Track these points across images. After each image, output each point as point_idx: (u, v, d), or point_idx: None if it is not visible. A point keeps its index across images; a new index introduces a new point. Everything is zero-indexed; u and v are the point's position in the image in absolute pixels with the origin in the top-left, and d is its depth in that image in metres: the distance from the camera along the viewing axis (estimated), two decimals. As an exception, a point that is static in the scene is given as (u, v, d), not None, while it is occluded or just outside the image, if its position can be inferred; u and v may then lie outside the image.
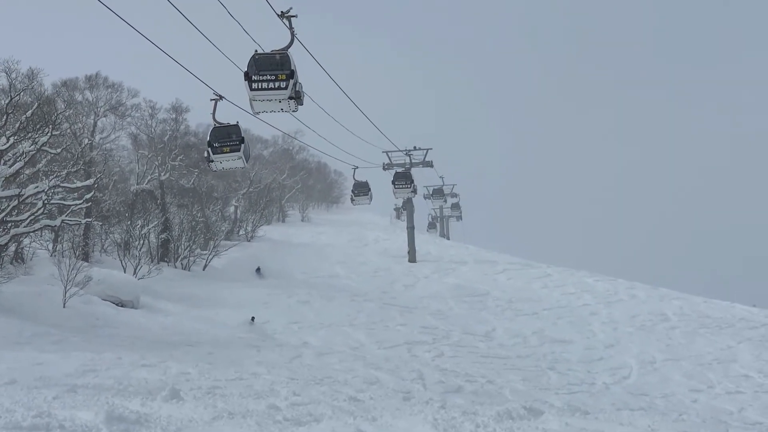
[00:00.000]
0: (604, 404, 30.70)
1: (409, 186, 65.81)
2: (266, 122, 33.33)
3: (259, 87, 27.26)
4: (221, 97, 31.86)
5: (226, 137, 32.45)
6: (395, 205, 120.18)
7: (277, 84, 27.22)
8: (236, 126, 32.90)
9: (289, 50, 27.85)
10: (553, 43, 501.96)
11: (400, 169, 70.83)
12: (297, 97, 27.86)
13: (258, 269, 64.63)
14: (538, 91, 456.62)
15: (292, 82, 27.25)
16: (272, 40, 28.21)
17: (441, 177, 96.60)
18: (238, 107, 30.34)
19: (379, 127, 46.37)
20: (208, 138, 32.89)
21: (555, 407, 23.90)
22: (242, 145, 32.48)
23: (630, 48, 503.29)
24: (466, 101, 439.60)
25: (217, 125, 32.76)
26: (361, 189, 65.64)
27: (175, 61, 25.68)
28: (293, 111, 28.51)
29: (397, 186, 65.43)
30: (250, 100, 27.67)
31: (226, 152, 32.34)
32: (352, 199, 67.28)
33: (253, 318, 46.24)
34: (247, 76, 27.33)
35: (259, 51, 27.75)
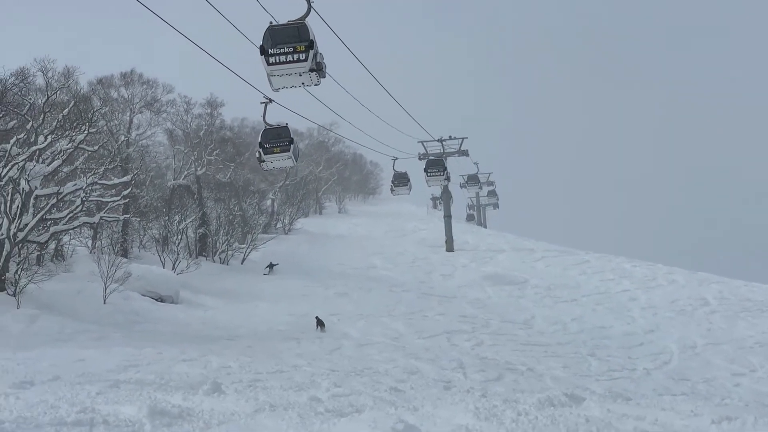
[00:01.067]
0: (646, 390, 30.60)
1: (441, 173, 64.16)
2: (301, 115, 33.57)
3: (277, 61, 25.50)
4: (271, 101, 32.28)
5: (277, 138, 33.14)
6: (432, 194, 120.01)
7: (296, 56, 25.41)
8: (286, 128, 33.56)
9: (307, 20, 26.07)
10: (583, 30, 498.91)
11: (432, 157, 70.24)
12: (318, 69, 26.01)
13: (270, 265, 63.66)
14: (571, 77, 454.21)
15: (311, 53, 25.42)
16: (290, 15, 26.97)
17: (475, 163, 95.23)
18: (287, 109, 30.22)
19: (412, 115, 46.06)
20: (260, 139, 33.65)
21: (596, 394, 23.87)
22: (292, 146, 33.20)
23: (662, 31, 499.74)
24: (498, 89, 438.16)
25: (268, 127, 33.48)
26: (401, 179, 65.51)
27: (222, 63, 25.24)
28: (315, 84, 26.63)
29: (429, 174, 63.95)
30: (268, 75, 25.90)
31: (277, 152, 33.13)
32: (392, 190, 67.09)
33: (318, 319, 43.10)
34: (263, 51, 25.62)
35: (274, 23, 25.95)
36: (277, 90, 26.81)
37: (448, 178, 66.90)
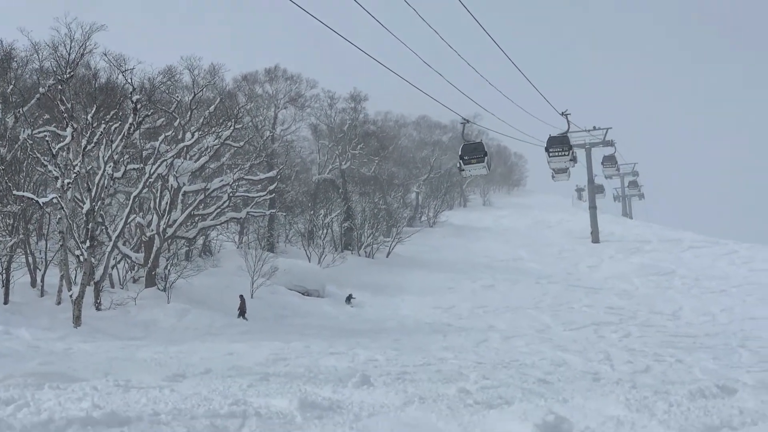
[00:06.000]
0: (802, 381, 29.79)
1: (566, 153, 57.90)
2: (444, 104, 33.47)
3: None
4: (468, 121, 38.06)
5: (473, 152, 37.61)
6: (576, 185, 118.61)
7: None
8: (481, 143, 38.86)
9: None
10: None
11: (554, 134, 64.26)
12: None
13: (349, 297, 50.35)
14: (721, 61, 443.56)
15: None
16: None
17: (614, 144, 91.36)
18: (434, 99, 30.33)
19: (549, 101, 45.16)
20: (460, 152, 38.11)
21: (749, 385, 23.29)
22: (486, 158, 37.76)
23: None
24: (647, 78, 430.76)
25: (466, 143, 38.47)
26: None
27: (384, 65, 24.49)
28: None
29: (551, 153, 57.64)
30: None
31: (474, 163, 37.55)
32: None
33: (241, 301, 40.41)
34: None
35: None
36: None
37: (574, 159, 60.66)
